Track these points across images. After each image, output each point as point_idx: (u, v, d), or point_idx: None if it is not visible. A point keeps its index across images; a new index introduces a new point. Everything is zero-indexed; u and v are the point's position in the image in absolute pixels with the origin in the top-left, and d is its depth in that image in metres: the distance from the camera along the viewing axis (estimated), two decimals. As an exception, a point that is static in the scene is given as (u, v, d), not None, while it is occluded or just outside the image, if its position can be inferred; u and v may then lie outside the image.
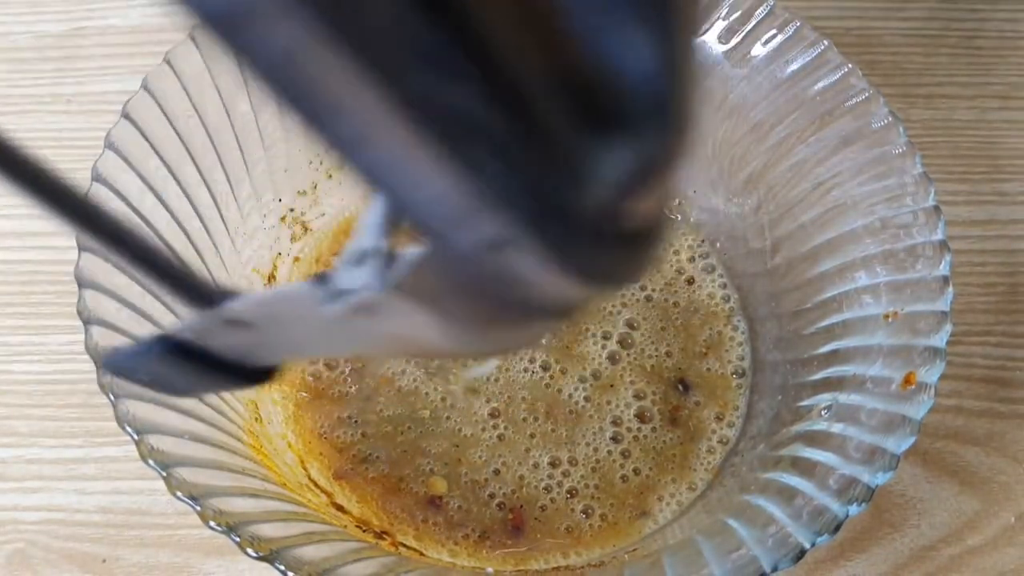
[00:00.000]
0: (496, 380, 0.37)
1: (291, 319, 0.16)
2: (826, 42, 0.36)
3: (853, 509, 0.27)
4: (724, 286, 0.39)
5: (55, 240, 0.40)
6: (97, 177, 0.31)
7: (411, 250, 0.14)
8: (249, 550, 0.25)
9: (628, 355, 0.37)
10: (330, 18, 0.10)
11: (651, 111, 0.13)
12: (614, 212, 0.13)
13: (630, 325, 0.38)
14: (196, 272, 0.15)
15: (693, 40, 0.13)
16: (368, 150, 0.12)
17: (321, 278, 0.15)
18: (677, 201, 0.41)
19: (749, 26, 0.37)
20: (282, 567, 0.25)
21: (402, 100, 0.11)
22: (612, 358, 0.37)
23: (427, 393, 0.36)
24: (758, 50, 0.37)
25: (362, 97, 0.11)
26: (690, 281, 0.39)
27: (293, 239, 0.38)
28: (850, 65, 0.35)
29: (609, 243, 0.13)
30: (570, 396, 0.36)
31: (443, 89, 0.11)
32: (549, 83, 0.12)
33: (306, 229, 0.39)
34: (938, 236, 0.32)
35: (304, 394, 0.36)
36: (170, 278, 0.15)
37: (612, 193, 0.13)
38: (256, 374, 0.18)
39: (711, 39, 0.38)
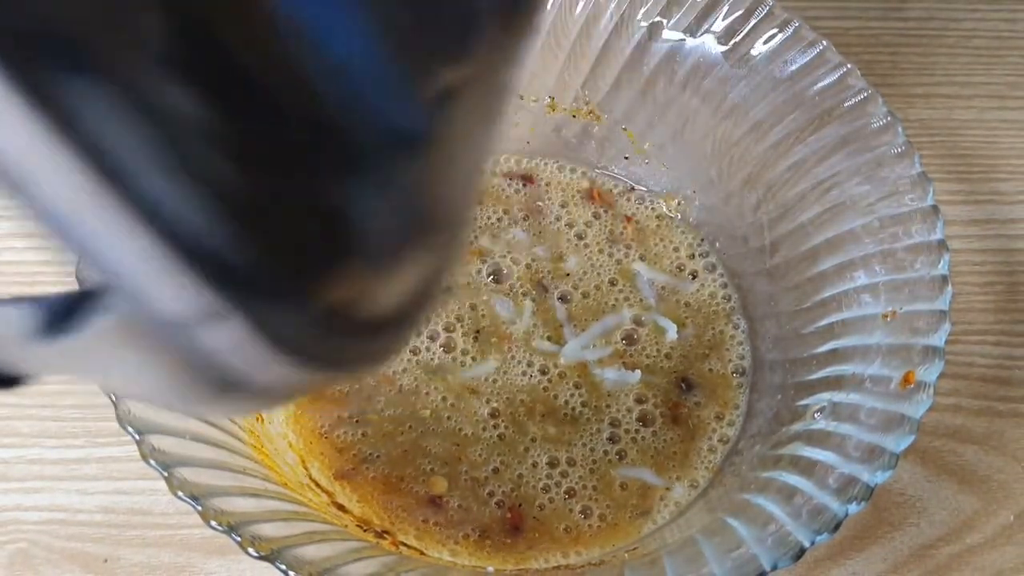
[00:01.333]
0: (494, 381, 0.37)
1: (9, 341, 0.15)
2: (825, 42, 0.36)
3: (852, 508, 0.27)
4: (724, 285, 0.39)
5: (56, 241, 0.40)
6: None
7: (114, 297, 0.13)
8: (250, 550, 0.25)
9: (629, 353, 0.37)
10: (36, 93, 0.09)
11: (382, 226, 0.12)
12: (326, 298, 0.12)
13: (634, 322, 0.38)
14: None
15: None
16: (53, 209, 0.11)
17: (35, 300, 0.14)
18: (677, 201, 0.41)
19: (748, 26, 0.37)
20: (283, 566, 0.25)
21: (97, 162, 0.10)
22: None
23: (428, 393, 0.36)
24: (757, 50, 0.37)
25: (52, 156, 0.10)
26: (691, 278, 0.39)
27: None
28: (849, 65, 0.36)
29: (329, 330, 0.13)
30: (571, 396, 0.36)
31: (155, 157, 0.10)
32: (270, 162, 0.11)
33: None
34: (936, 235, 0.32)
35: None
36: None
37: (322, 280, 0.12)
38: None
39: (711, 39, 0.38)
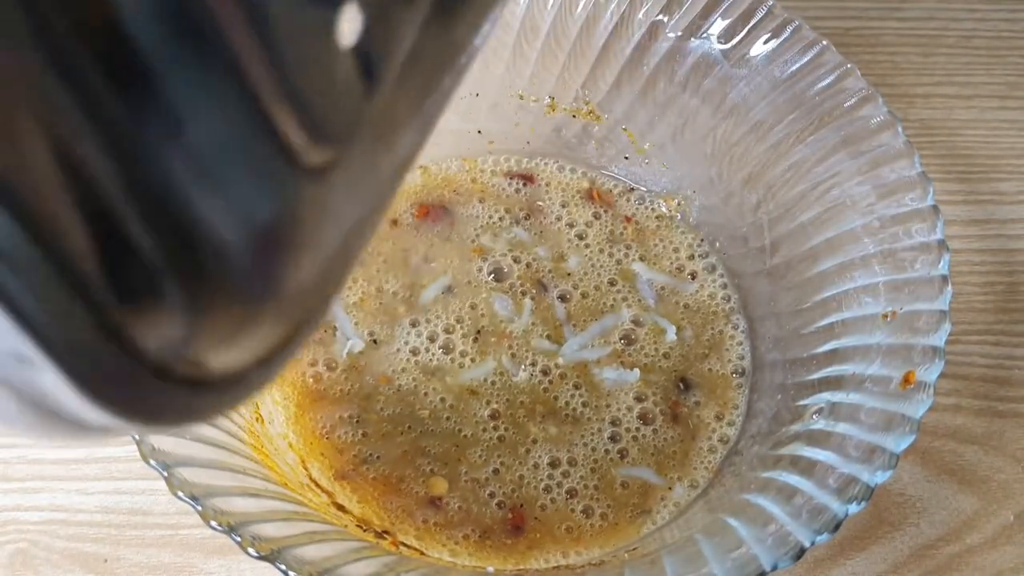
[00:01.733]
0: (493, 383, 0.37)
1: None
2: (825, 42, 0.36)
3: (852, 508, 0.27)
4: (724, 286, 0.39)
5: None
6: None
7: None
8: (250, 550, 0.25)
9: (628, 353, 0.37)
10: None
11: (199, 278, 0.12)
12: (147, 355, 0.12)
13: (634, 322, 0.38)
14: None
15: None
16: None
17: None
18: (677, 201, 0.41)
19: (748, 26, 0.37)
20: (283, 567, 0.25)
21: None
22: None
23: (426, 393, 0.36)
24: (757, 50, 0.37)
25: None
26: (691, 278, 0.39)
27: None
28: (849, 65, 0.36)
29: (147, 383, 0.12)
30: (572, 397, 0.36)
31: None
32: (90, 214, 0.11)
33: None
34: (936, 235, 0.32)
35: (304, 395, 0.36)
36: None
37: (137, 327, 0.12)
38: None
39: (711, 39, 0.38)
